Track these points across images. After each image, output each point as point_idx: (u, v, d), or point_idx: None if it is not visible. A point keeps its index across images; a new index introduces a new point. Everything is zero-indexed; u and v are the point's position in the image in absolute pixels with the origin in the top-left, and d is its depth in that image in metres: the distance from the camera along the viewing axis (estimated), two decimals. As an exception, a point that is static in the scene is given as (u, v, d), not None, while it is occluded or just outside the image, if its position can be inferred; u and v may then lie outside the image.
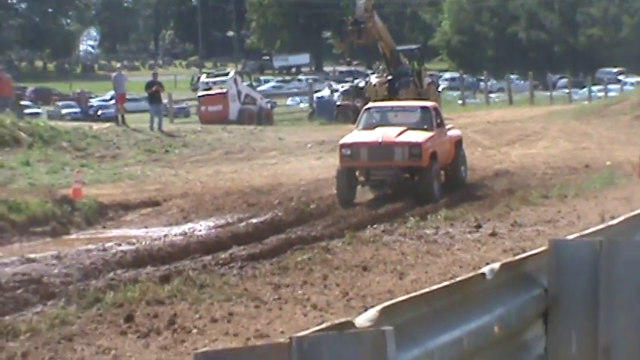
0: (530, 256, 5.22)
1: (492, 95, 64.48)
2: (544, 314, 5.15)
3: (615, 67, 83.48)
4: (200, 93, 46.70)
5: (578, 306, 5.12)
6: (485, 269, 4.65)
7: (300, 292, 11.80)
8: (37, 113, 58.92)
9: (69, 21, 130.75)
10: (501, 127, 35.32)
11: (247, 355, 3.34)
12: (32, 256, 15.21)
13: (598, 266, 5.05)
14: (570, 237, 5.69)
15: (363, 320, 3.56)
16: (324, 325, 3.41)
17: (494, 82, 76.25)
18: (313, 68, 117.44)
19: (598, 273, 5.05)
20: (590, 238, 5.41)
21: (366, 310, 10.33)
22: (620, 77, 75.87)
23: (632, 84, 67.17)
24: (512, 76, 67.86)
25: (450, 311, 4.23)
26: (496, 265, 4.71)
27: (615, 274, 5.05)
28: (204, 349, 9.22)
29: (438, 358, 4.08)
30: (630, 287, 5.09)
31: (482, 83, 69.72)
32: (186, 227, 19.17)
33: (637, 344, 5.29)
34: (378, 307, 3.66)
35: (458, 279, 4.50)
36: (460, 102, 59.14)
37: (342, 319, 3.52)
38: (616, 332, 5.21)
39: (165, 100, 41.66)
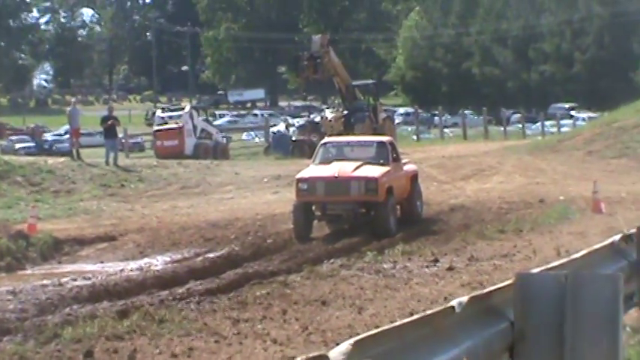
0: (498, 289, 5.25)
1: (447, 130, 64.79)
2: (510, 348, 5.17)
3: (568, 102, 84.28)
4: (156, 127, 46.55)
5: (544, 339, 5.15)
6: (454, 302, 4.67)
7: (259, 326, 11.75)
8: (-10, 147, 58.45)
9: (22, 55, 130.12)
10: (456, 161, 35.49)
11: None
12: (-13, 291, 15.05)
13: (563, 299, 5.09)
14: (536, 270, 5.73)
15: (336, 354, 3.55)
16: (298, 359, 3.41)
17: (449, 117, 76.72)
18: (268, 103, 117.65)
19: (563, 306, 5.09)
20: (556, 272, 5.45)
21: (326, 344, 10.28)
22: (573, 113, 76.57)
23: (584, 119, 67.77)
24: (466, 112, 68.20)
25: (420, 344, 4.24)
26: (464, 299, 4.73)
27: (580, 307, 5.09)
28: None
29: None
30: (595, 320, 5.13)
31: (436, 118, 70.09)
32: (143, 262, 19.06)
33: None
34: (351, 341, 3.67)
35: (428, 312, 4.51)
36: (415, 137, 59.38)
37: (317, 353, 3.52)
38: (580, 365, 5.24)
39: (120, 135, 41.50)
